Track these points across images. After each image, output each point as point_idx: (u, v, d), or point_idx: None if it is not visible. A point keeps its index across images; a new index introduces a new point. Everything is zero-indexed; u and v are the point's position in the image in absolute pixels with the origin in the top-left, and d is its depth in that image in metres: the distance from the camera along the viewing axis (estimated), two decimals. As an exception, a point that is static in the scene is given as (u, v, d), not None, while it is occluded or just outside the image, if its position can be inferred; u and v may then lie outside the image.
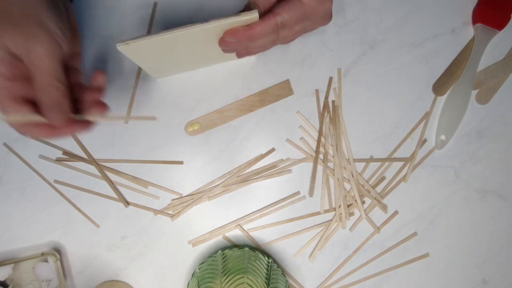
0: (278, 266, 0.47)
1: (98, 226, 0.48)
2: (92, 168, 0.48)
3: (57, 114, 0.33)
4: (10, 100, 0.33)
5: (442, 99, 0.50)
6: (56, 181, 0.48)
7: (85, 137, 0.48)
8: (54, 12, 0.33)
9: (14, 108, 0.33)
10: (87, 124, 0.36)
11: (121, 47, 0.35)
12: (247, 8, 0.38)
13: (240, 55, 0.41)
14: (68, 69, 0.35)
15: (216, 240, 0.49)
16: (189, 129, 0.48)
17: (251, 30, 0.36)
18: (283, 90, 0.49)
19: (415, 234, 0.50)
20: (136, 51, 0.37)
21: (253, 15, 0.34)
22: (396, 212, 0.50)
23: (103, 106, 0.36)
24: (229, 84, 0.49)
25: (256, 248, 0.49)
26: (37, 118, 0.33)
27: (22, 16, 0.31)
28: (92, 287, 0.48)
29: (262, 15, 0.37)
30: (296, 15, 0.37)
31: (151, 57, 0.40)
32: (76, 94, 0.36)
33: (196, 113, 0.49)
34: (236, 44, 0.37)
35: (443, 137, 0.50)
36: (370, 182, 0.50)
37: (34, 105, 0.34)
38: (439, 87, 0.50)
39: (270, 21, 0.36)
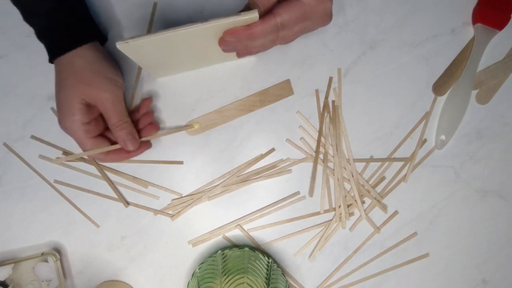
0: (278, 266, 0.47)
1: (98, 226, 0.48)
2: (92, 168, 0.48)
3: (131, 142, 0.43)
4: (89, 139, 0.42)
5: (442, 99, 0.50)
6: (56, 181, 0.48)
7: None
8: (112, 64, 0.43)
9: (93, 144, 0.42)
10: (148, 144, 0.46)
11: (120, 46, 0.35)
12: (247, 8, 0.38)
13: (240, 55, 0.41)
14: None
15: (216, 240, 0.49)
16: (189, 129, 0.48)
17: (251, 29, 0.36)
18: (283, 90, 0.49)
19: (415, 234, 0.50)
20: (136, 50, 0.37)
21: (253, 15, 0.34)
22: (396, 212, 0.50)
23: (156, 126, 0.46)
24: (229, 84, 0.49)
25: (256, 248, 0.48)
26: (113, 147, 0.43)
27: (92, 72, 0.41)
28: (92, 287, 0.48)
29: (262, 15, 0.37)
30: (296, 15, 0.37)
31: (151, 56, 0.41)
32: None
33: (196, 113, 0.49)
34: (236, 43, 0.37)
35: (443, 137, 0.50)
36: (370, 182, 0.50)
37: (106, 138, 0.44)
38: (439, 87, 0.50)
39: (270, 21, 0.36)
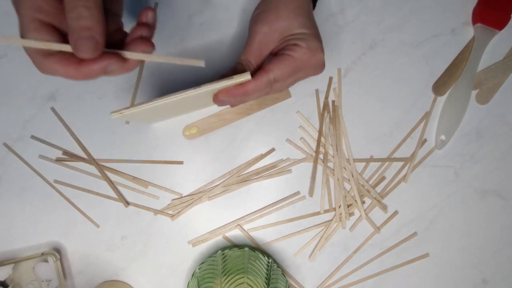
0: (278, 266, 0.47)
1: (98, 226, 0.48)
2: (92, 168, 0.48)
3: (87, 42, 0.26)
4: (36, 22, 0.28)
5: (442, 99, 0.50)
6: (56, 181, 0.48)
7: (85, 137, 0.48)
8: None
9: (38, 32, 0.28)
10: (120, 59, 0.29)
11: (115, 117, 0.35)
12: (239, 65, 0.38)
13: (234, 106, 0.40)
14: (107, 11, 0.30)
15: (216, 240, 0.49)
16: (187, 133, 0.48)
17: (245, 88, 0.36)
18: (281, 93, 0.49)
19: (415, 234, 0.50)
20: (129, 117, 0.37)
21: (246, 77, 0.34)
22: (396, 212, 0.50)
23: (147, 42, 0.30)
24: (229, 84, 0.49)
25: (256, 248, 0.49)
26: (59, 45, 0.28)
27: None
28: (92, 287, 0.48)
29: (255, 70, 0.37)
30: (288, 70, 0.37)
31: (144, 116, 0.41)
32: (114, 39, 0.31)
33: (194, 117, 0.49)
34: (230, 100, 0.37)
35: (443, 137, 0.50)
36: (370, 182, 0.50)
37: (63, 38, 0.29)
38: (439, 87, 0.50)
39: (262, 78, 0.36)
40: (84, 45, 0.27)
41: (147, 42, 0.30)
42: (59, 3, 0.28)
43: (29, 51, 0.29)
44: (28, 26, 0.28)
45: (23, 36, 0.28)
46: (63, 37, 0.29)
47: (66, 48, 0.28)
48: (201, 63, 0.31)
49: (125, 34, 0.32)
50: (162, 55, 0.30)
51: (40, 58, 0.29)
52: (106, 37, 0.28)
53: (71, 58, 0.28)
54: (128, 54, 0.29)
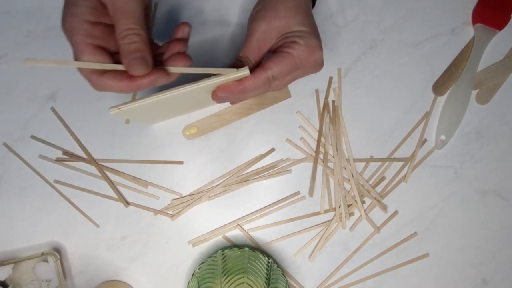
0: (278, 266, 0.47)
1: (98, 226, 0.48)
2: (92, 168, 0.48)
3: (138, 62, 0.31)
4: (89, 46, 0.31)
5: (442, 99, 0.50)
6: (56, 181, 0.48)
7: (85, 137, 0.48)
8: None
9: (92, 55, 0.32)
10: (165, 73, 0.33)
11: (113, 112, 0.35)
12: (238, 61, 0.38)
13: (233, 103, 0.41)
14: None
15: (216, 240, 0.49)
16: (187, 133, 0.48)
17: (243, 84, 0.36)
18: (281, 93, 0.49)
19: (415, 234, 0.50)
20: (128, 113, 0.37)
21: (244, 72, 0.34)
22: (396, 212, 0.50)
23: (187, 58, 0.34)
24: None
25: (256, 248, 0.49)
26: (115, 66, 0.32)
27: None
28: (92, 287, 0.48)
29: (253, 68, 0.37)
30: (286, 68, 0.37)
31: (142, 114, 0.41)
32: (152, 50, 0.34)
33: (194, 117, 0.49)
34: (228, 97, 0.37)
35: (443, 137, 0.50)
36: (370, 182, 0.50)
37: (112, 57, 0.33)
38: (439, 87, 0.50)
39: (261, 75, 0.36)
40: (137, 64, 0.31)
41: (186, 57, 0.34)
42: (106, 28, 0.33)
43: (84, 71, 0.33)
44: (83, 50, 0.31)
45: (78, 59, 0.32)
46: (112, 57, 0.33)
47: (120, 67, 0.32)
48: (233, 71, 0.34)
49: (157, 46, 0.36)
50: (198, 67, 0.33)
51: (96, 77, 0.32)
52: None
53: (123, 74, 0.32)
54: (172, 69, 0.33)
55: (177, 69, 0.33)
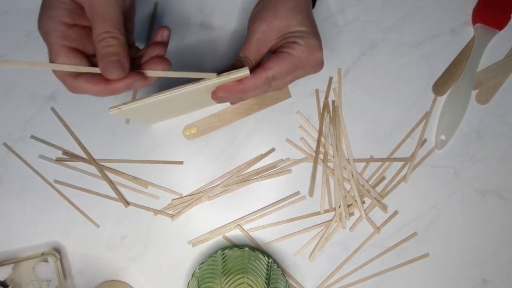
0: (278, 266, 0.47)
1: (98, 226, 0.48)
2: (92, 168, 0.48)
3: (114, 65, 0.31)
4: (64, 48, 0.31)
5: (442, 99, 0.50)
6: (56, 181, 0.48)
7: (85, 137, 0.48)
8: None
9: (67, 57, 0.31)
10: (142, 77, 0.33)
11: (113, 112, 0.35)
12: (238, 61, 0.38)
13: (233, 103, 0.42)
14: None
15: (216, 240, 0.49)
16: (187, 133, 0.48)
17: (243, 84, 0.36)
18: (281, 93, 0.49)
19: (415, 234, 0.50)
20: (128, 113, 0.37)
21: (244, 73, 0.34)
22: (396, 212, 0.50)
23: (165, 61, 0.34)
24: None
25: (256, 248, 0.49)
26: (90, 68, 0.32)
27: None
28: (92, 287, 0.48)
29: (254, 68, 0.37)
30: (287, 68, 0.37)
31: (143, 114, 0.41)
32: (131, 55, 0.34)
33: (194, 117, 0.49)
34: (228, 97, 0.37)
35: (443, 137, 0.50)
36: (370, 182, 0.50)
37: (88, 60, 0.33)
38: (439, 87, 0.50)
39: (261, 76, 0.36)
40: (113, 68, 0.31)
41: (164, 61, 0.34)
42: (83, 30, 0.33)
43: (59, 74, 0.32)
44: (59, 52, 0.31)
45: (53, 61, 0.32)
46: (88, 59, 0.33)
47: (95, 70, 0.32)
48: (212, 76, 0.34)
49: (138, 49, 0.36)
50: (177, 71, 0.33)
51: (70, 80, 0.32)
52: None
53: (99, 77, 0.32)
54: (149, 73, 0.33)
55: (154, 72, 0.33)
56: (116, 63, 0.31)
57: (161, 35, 0.35)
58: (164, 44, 0.35)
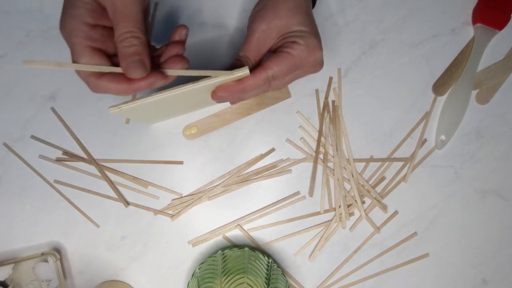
0: (278, 266, 0.47)
1: (98, 226, 0.48)
2: (92, 168, 0.48)
3: (136, 65, 0.31)
4: (87, 48, 0.32)
5: (442, 99, 0.50)
6: (56, 181, 0.48)
7: (85, 137, 0.48)
8: None
9: (90, 57, 0.32)
10: (163, 76, 0.33)
11: (113, 111, 0.35)
12: (238, 61, 0.38)
13: (233, 103, 0.42)
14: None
15: (216, 240, 0.49)
16: (187, 133, 0.48)
17: (243, 84, 0.36)
18: (280, 93, 0.49)
19: (415, 234, 0.50)
20: (128, 112, 0.37)
21: (244, 72, 0.34)
22: (396, 212, 0.50)
23: (184, 60, 0.34)
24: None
25: (256, 248, 0.49)
26: (112, 68, 0.32)
27: None
28: (92, 287, 0.48)
29: (253, 67, 0.37)
30: (286, 68, 0.37)
31: (142, 113, 0.41)
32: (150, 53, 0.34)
33: (194, 117, 0.49)
34: (228, 97, 0.38)
35: (443, 137, 0.50)
36: (370, 182, 0.50)
37: (110, 60, 0.33)
38: (439, 87, 0.50)
39: (261, 75, 0.36)
40: (135, 67, 0.31)
41: (183, 60, 0.34)
42: (104, 31, 0.33)
43: (82, 74, 0.33)
44: (82, 52, 0.32)
45: (76, 61, 0.32)
46: (110, 59, 0.33)
47: (118, 70, 0.32)
48: (229, 74, 0.34)
49: (154, 48, 0.36)
50: (195, 70, 0.33)
51: (94, 79, 0.32)
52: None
53: (121, 77, 0.32)
54: (170, 72, 0.33)
55: (174, 71, 0.33)
56: (138, 63, 0.31)
57: (179, 34, 0.35)
58: (182, 42, 0.35)
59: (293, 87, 0.49)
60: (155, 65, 0.34)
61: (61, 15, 0.32)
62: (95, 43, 0.32)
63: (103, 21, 0.33)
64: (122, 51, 0.31)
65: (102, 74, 0.33)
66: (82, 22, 0.31)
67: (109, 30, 0.33)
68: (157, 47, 0.36)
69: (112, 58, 0.34)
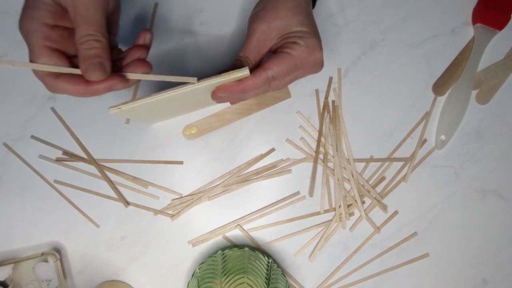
0: (278, 266, 0.47)
1: (98, 226, 0.48)
2: (92, 168, 0.48)
3: (95, 67, 0.31)
4: (45, 49, 0.31)
5: (442, 99, 0.50)
6: (56, 181, 0.48)
7: (85, 137, 0.48)
8: None
9: (48, 57, 0.32)
10: (123, 79, 0.33)
11: (113, 112, 0.35)
12: (238, 61, 0.38)
13: (233, 103, 0.42)
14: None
15: (216, 240, 0.49)
16: (187, 133, 0.48)
17: (243, 84, 0.36)
18: (280, 93, 0.49)
19: (415, 234, 0.50)
20: (127, 112, 0.37)
21: (244, 73, 0.34)
22: (396, 212, 0.50)
23: (146, 64, 0.34)
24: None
25: (256, 248, 0.49)
26: (71, 69, 0.32)
27: None
28: (92, 287, 0.48)
29: (253, 68, 0.37)
30: (286, 68, 0.37)
31: (142, 113, 0.41)
32: (113, 57, 0.34)
33: (194, 117, 0.49)
34: (228, 97, 0.38)
35: (443, 137, 0.50)
36: (370, 182, 0.50)
37: (69, 60, 0.33)
38: (439, 87, 0.50)
39: (261, 76, 0.36)
40: (94, 70, 0.31)
41: (145, 64, 0.34)
42: (65, 31, 0.33)
43: (39, 73, 0.33)
44: (40, 52, 0.31)
45: (34, 61, 0.32)
46: (69, 60, 0.33)
47: (76, 71, 0.32)
48: (193, 80, 0.34)
49: (120, 51, 0.36)
50: (157, 75, 0.34)
51: (51, 80, 0.32)
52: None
53: (79, 78, 0.32)
54: (130, 76, 0.33)
55: (135, 75, 0.33)
56: (98, 65, 0.31)
57: (143, 39, 0.35)
58: (146, 47, 0.35)
59: (293, 87, 0.49)
60: (118, 68, 0.34)
61: (21, 14, 0.32)
62: (54, 43, 0.32)
63: (64, 22, 0.33)
64: (82, 53, 0.31)
65: (59, 75, 0.32)
66: (42, 23, 0.31)
67: (70, 31, 0.33)
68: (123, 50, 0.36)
69: (72, 59, 0.33)
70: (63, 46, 0.33)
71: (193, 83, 0.34)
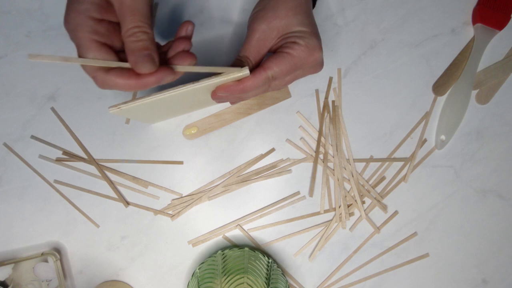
0: (278, 266, 0.47)
1: (98, 226, 0.48)
2: (92, 168, 0.48)
3: (145, 60, 0.30)
4: (94, 43, 0.31)
5: (442, 99, 0.50)
6: (56, 181, 0.48)
7: (85, 137, 0.48)
8: None
9: (98, 51, 0.31)
10: (172, 71, 0.33)
11: (113, 111, 0.35)
12: (238, 61, 0.38)
13: (233, 103, 0.42)
14: None
15: (216, 240, 0.49)
16: (187, 133, 0.48)
17: (243, 84, 0.36)
18: (281, 93, 0.49)
19: (415, 234, 0.50)
20: (127, 112, 0.37)
21: (244, 72, 0.34)
22: (396, 212, 0.50)
23: (192, 56, 0.33)
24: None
25: (256, 248, 0.49)
26: (121, 63, 0.31)
27: None
28: (92, 287, 0.48)
29: (253, 68, 0.37)
30: (286, 68, 0.37)
31: (142, 113, 0.41)
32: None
33: (194, 117, 0.49)
34: (228, 97, 0.38)
35: (443, 137, 0.50)
36: (370, 182, 0.50)
37: (117, 55, 0.33)
38: (439, 87, 0.50)
39: (261, 75, 0.36)
40: (144, 62, 0.30)
41: (191, 55, 0.33)
42: (110, 25, 0.32)
43: (89, 69, 0.32)
44: (89, 47, 0.31)
45: (83, 56, 0.31)
46: (116, 54, 0.33)
47: (126, 65, 0.31)
48: (244, 71, 0.34)
49: (159, 45, 0.35)
50: (204, 66, 0.33)
51: (101, 75, 0.32)
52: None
53: (129, 72, 0.31)
54: (178, 68, 0.33)
55: (183, 67, 0.33)
56: (147, 58, 0.30)
57: (185, 30, 0.35)
58: (189, 38, 0.35)
59: (293, 87, 0.49)
60: (162, 61, 0.33)
61: (66, 9, 0.31)
62: (102, 37, 0.31)
63: (109, 16, 0.32)
64: (130, 45, 0.30)
65: (109, 69, 0.32)
66: (88, 16, 0.31)
67: (114, 26, 0.33)
68: (161, 44, 0.36)
69: (118, 54, 0.33)
70: (109, 40, 0.32)
71: (241, 73, 0.34)
